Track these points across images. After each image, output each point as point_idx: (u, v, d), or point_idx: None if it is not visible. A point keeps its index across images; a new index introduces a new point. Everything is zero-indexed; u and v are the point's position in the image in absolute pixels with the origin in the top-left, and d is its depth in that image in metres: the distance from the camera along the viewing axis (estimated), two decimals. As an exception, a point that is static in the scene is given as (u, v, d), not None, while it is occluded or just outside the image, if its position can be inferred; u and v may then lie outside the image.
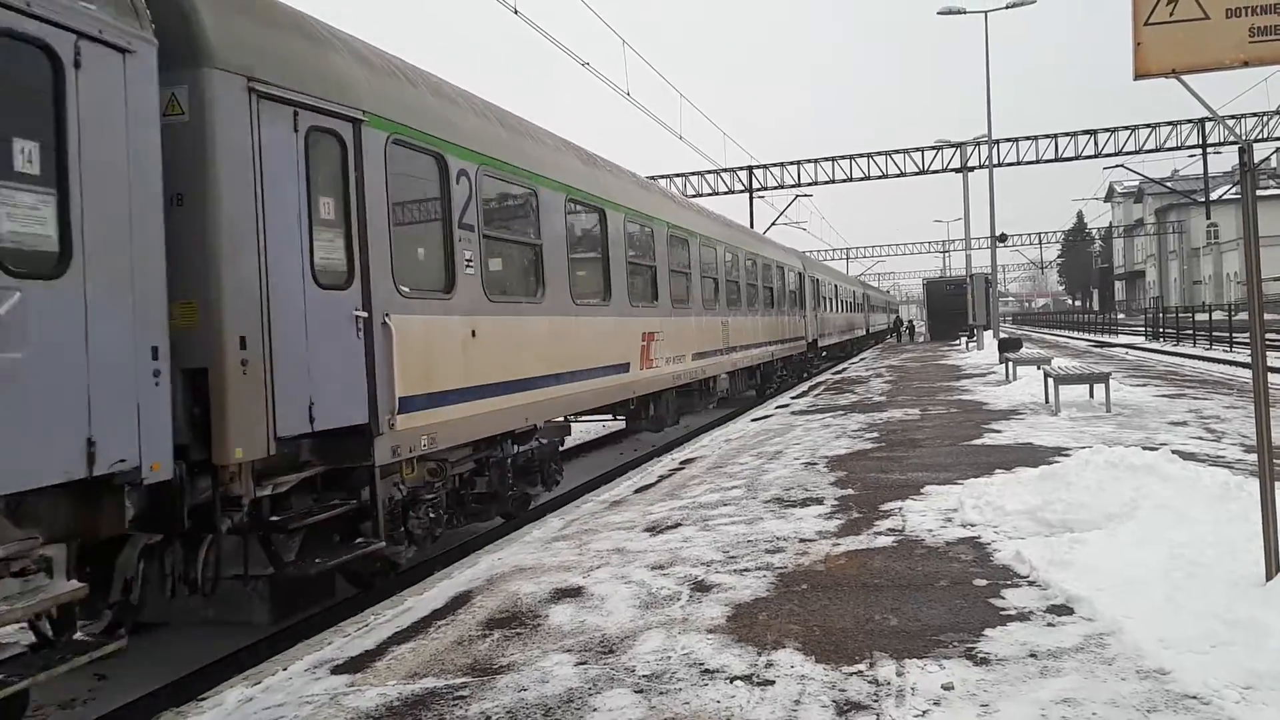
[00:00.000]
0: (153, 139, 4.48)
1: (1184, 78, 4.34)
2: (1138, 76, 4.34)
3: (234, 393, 4.92)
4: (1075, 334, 54.07)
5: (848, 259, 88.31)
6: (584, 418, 12.03)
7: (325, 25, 6.41)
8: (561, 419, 9.70)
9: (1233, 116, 33.98)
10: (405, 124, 6.65)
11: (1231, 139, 35.63)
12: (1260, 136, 35.43)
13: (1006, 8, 29.50)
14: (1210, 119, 35.80)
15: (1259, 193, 4.67)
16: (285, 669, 4.59)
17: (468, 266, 7.41)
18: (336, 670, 4.49)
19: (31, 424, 3.78)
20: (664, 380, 12.61)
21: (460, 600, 5.54)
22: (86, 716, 5.33)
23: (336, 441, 5.84)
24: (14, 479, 3.71)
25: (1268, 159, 36.69)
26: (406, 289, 6.49)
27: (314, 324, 5.54)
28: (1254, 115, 36.00)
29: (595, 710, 3.78)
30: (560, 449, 9.75)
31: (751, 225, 36.45)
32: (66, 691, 5.56)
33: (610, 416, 12.95)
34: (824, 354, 31.21)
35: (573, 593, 5.49)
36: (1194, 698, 3.56)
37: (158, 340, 4.41)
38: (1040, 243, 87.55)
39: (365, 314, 5.97)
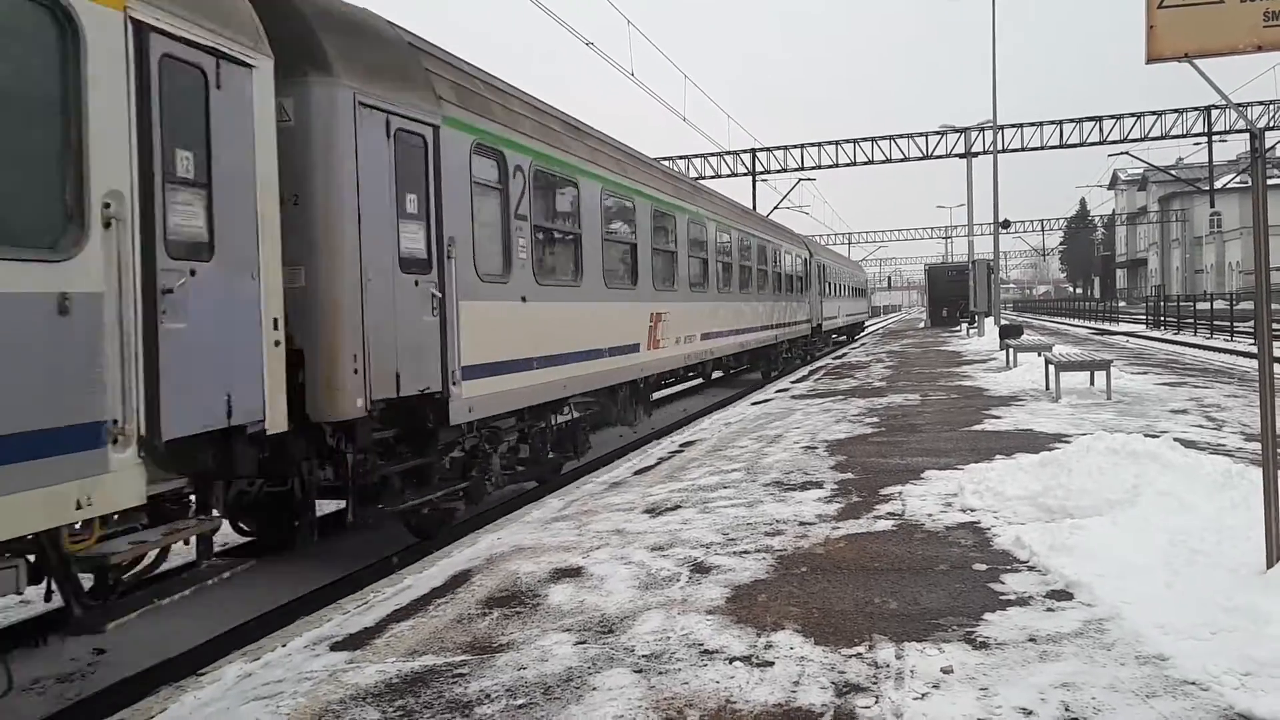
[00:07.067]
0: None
1: (1196, 61, 4.29)
2: (1150, 60, 4.29)
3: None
4: (1076, 321, 53.96)
5: (849, 243, 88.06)
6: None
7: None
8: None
9: (1241, 104, 33.79)
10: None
11: (1241, 125, 35.46)
12: (1269, 125, 35.26)
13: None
14: (1218, 106, 35.62)
15: (1267, 181, 4.62)
16: (284, 645, 4.59)
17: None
18: (336, 647, 4.49)
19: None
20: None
21: (460, 579, 5.54)
22: (85, 690, 5.34)
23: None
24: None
25: (1273, 148, 36.51)
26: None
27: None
28: (1260, 104, 35.85)
29: (594, 689, 3.78)
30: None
31: (754, 208, 36.34)
32: (65, 666, 5.58)
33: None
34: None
35: (572, 573, 5.49)
36: (1193, 684, 3.56)
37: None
38: (1043, 229, 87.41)
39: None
